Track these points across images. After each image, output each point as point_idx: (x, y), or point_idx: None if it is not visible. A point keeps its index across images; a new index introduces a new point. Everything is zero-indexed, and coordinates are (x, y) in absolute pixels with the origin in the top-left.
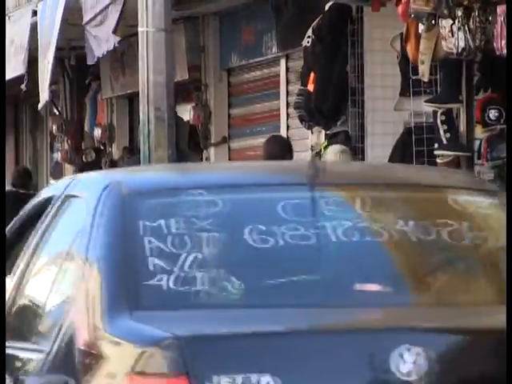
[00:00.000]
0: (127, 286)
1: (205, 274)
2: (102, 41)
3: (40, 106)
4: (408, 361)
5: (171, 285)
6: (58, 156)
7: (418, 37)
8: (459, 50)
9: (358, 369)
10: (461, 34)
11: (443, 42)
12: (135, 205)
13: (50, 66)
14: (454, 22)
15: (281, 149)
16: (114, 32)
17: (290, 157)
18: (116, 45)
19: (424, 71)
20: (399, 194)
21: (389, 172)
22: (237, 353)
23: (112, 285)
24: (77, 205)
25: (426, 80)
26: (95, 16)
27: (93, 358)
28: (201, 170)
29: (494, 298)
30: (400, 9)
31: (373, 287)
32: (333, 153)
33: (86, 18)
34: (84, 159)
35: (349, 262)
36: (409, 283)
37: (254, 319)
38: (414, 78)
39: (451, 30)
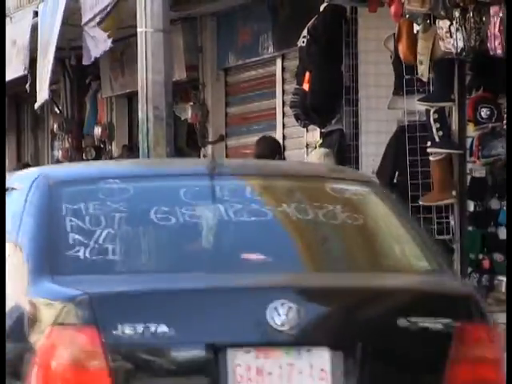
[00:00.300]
0: (50, 256)
1: (115, 246)
2: (99, 41)
3: (37, 105)
4: (282, 314)
5: (87, 255)
6: (58, 154)
7: (410, 37)
8: (458, 50)
9: (241, 319)
10: (459, 35)
11: (441, 43)
12: (59, 192)
13: (50, 66)
14: (451, 23)
15: (270, 149)
16: (109, 34)
17: (280, 156)
18: (111, 45)
19: (423, 71)
20: (284, 183)
21: (276, 166)
22: (138, 307)
23: (37, 255)
24: (14, 195)
25: (425, 80)
26: (94, 16)
27: (23, 316)
28: (118, 165)
29: (361, 266)
30: (392, 9)
31: (256, 256)
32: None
33: (84, 19)
34: (84, 157)
35: (238, 236)
36: (288, 253)
37: (154, 281)
38: (407, 77)
39: (449, 31)
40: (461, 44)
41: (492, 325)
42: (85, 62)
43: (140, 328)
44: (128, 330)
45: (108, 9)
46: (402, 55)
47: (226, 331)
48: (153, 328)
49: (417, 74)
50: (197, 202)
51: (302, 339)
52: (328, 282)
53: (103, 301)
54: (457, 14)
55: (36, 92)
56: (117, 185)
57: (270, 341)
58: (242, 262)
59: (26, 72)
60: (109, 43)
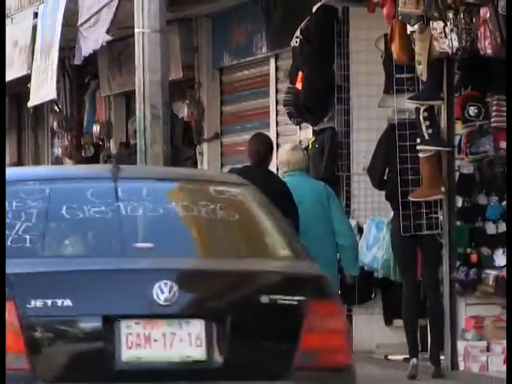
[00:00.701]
0: None
1: (32, 236)
2: (90, 41)
3: (31, 104)
4: (165, 291)
5: (8, 243)
6: (58, 151)
7: (402, 38)
8: (454, 50)
9: (132, 296)
10: (454, 35)
11: (435, 43)
12: None
13: (54, 67)
14: (445, 24)
15: (264, 146)
16: (107, 32)
17: (272, 153)
18: (104, 44)
19: (422, 71)
20: (174, 185)
21: (170, 171)
22: (48, 285)
23: None
24: None
25: (424, 79)
26: (90, 17)
27: None
28: (40, 169)
29: (234, 253)
30: (385, 11)
31: (146, 245)
32: (284, 150)
33: (81, 20)
34: (83, 154)
35: (133, 228)
36: (174, 242)
37: (62, 263)
38: (397, 76)
39: (443, 31)
40: (456, 44)
41: (337, 301)
42: (76, 61)
43: (49, 302)
44: (39, 304)
45: (108, 10)
46: (395, 55)
47: (119, 306)
48: (59, 302)
49: (407, 73)
50: (101, 201)
51: (181, 313)
52: (205, 266)
53: (19, 279)
54: (450, 15)
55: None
56: (35, 186)
57: (155, 314)
58: (135, 249)
59: (29, 71)
60: (100, 43)
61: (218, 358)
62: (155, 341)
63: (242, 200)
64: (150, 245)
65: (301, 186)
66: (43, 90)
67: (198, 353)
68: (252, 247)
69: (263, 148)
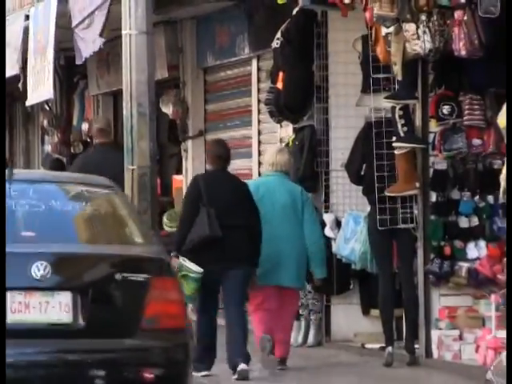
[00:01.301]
0: None
1: None
2: (89, 42)
3: (29, 103)
4: (41, 269)
5: None
6: (48, 148)
7: (385, 39)
8: (426, 51)
9: (18, 272)
10: (426, 37)
11: (407, 44)
12: None
13: (50, 67)
14: (418, 26)
15: (224, 151)
16: (101, 35)
17: (230, 158)
18: (101, 46)
19: (397, 71)
20: (53, 186)
21: (51, 174)
22: None
23: None
24: None
25: (399, 79)
26: (83, 20)
27: None
28: None
29: (99, 240)
30: (367, 14)
31: (30, 233)
32: (271, 151)
33: (74, 22)
34: (72, 150)
35: (22, 220)
36: (52, 231)
37: None
38: (374, 76)
39: (416, 33)
40: (428, 45)
41: (174, 278)
42: (77, 61)
43: None
44: None
45: (100, 13)
46: (381, 57)
47: (9, 280)
48: None
49: (384, 73)
50: None
51: (53, 286)
52: (73, 250)
53: None
54: (423, 17)
55: (27, 90)
56: None
57: (33, 287)
58: (22, 237)
59: (19, 72)
60: (98, 44)
61: (81, 321)
62: (33, 307)
63: (109, 199)
64: (32, 233)
65: (278, 188)
66: (40, 89)
67: (66, 317)
68: (112, 236)
69: (224, 153)
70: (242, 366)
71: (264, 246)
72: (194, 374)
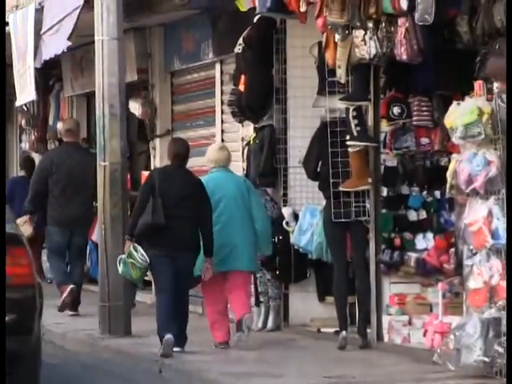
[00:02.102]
0: None
1: None
2: (52, 47)
3: (18, 103)
4: None
5: None
6: (25, 146)
7: (335, 45)
8: (371, 56)
9: None
10: (372, 43)
11: (356, 50)
12: None
13: (31, 72)
14: (365, 33)
15: (182, 149)
16: (69, 39)
17: (188, 155)
18: (65, 50)
19: (341, 74)
20: None
21: None
22: None
23: None
24: None
25: (342, 82)
26: (52, 26)
27: None
28: None
29: None
30: (320, 21)
31: None
32: (212, 149)
33: (44, 28)
34: (48, 148)
35: None
36: None
37: None
38: (329, 79)
39: (363, 39)
40: (373, 51)
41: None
42: (36, 64)
43: None
44: None
45: (69, 19)
46: (330, 61)
47: None
48: None
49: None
50: None
51: None
52: None
53: None
54: (370, 24)
55: (7, 91)
56: None
57: None
58: None
59: None
60: (61, 48)
61: None
62: None
63: None
64: None
65: (226, 181)
66: (25, 91)
67: None
68: None
69: (182, 150)
70: (169, 337)
71: (219, 235)
72: (176, 350)
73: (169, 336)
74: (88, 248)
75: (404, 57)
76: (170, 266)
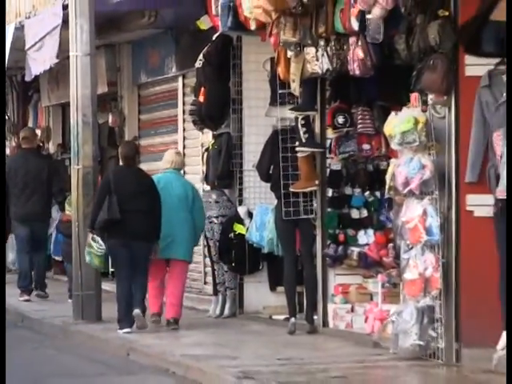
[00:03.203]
0: None
1: None
2: (39, 62)
3: None
4: None
5: None
6: (7, 151)
7: (286, 61)
8: (324, 71)
9: None
10: (325, 59)
11: (308, 65)
12: None
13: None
14: (317, 50)
15: (132, 151)
16: (57, 56)
17: (137, 156)
18: (51, 66)
19: (295, 87)
20: None
21: None
22: None
23: None
24: None
25: (296, 94)
26: (35, 43)
27: None
28: None
29: None
30: (272, 40)
31: None
32: (170, 153)
33: (28, 45)
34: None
35: None
36: None
37: None
38: (280, 91)
39: (315, 56)
40: (326, 66)
41: None
42: (27, 78)
43: None
44: None
45: (50, 38)
46: (281, 75)
47: None
48: None
49: (289, 89)
50: None
51: None
52: None
53: None
54: (322, 42)
55: None
56: None
57: None
58: None
59: None
60: (48, 64)
61: None
62: None
63: None
64: None
65: (175, 181)
66: None
67: None
68: None
69: (131, 152)
70: (137, 311)
71: (163, 226)
72: (118, 331)
73: (136, 310)
74: (54, 237)
75: (357, 72)
76: (127, 254)
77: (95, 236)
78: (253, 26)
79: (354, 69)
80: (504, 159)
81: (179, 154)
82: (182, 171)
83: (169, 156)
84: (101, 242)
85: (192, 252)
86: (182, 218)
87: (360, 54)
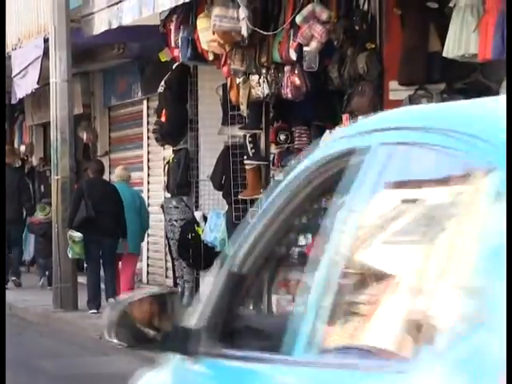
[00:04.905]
0: None
1: None
2: (22, 88)
3: None
4: None
5: None
6: None
7: (237, 86)
8: (265, 95)
9: None
10: (265, 85)
11: (253, 90)
12: None
13: None
14: (260, 77)
15: (100, 166)
16: (38, 82)
17: (103, 170)
18: (33, 91)
19: (244, 109)
20: None
21: None
22: None
23: None
24: None
25: (245, 115)
26: (20, 71)
27: None
28: None
29: None
30: (225, 69)
31: None
32: (120, 168)
33: (14, 73)
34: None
35: None
36: None
37: None
38: (230, 113)
39: (258, 82)
40: (266, 91)
41: None
42: (12, 101)
43: None
44: None
45: (33, 67)
46: (233, 99)
47: None
48: None
49: (238, 111)
50: None
51: None
52: None
53: None
54: (264, 71)
55: None
56: None
57: None
58: None
59: None
60: (30, 89)
61: None
62: None
63: None
64: None
65: (125, 191)
66: None
67: None
68: None
69: (99, 167)
70: (111, 300)
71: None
72: (90, 312)
73: (111, 300)
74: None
75: (289, 95)
76: (97, 248)
77: (72, 230)
78: (211, 57)
79: (287, 93)
80: None
81: (126, 170)
82: (129, 182)
83: (118, 171)
84: (79, 233)
85: (139, 246)
86: (132, 219)
87: (297, 80)
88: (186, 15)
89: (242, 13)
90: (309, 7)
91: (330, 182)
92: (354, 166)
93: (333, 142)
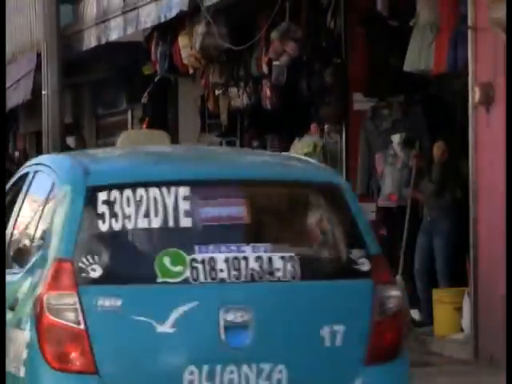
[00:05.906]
0: None
1: None
2: (14, 99)
3: None
4: None
5: None
6: None
7: (215, 97)
8: (244, 106)
9: None
10: (244, 96)
11: (232, 101)
12: None
13: None
14: (239, 90)
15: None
16: (31, 94)
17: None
18: (24, 101)
19: (224, 119)
20: None
21: None
22: None
23: None
24: None
25: (225, 124)
26: (12, 84)
27: None
28: None
29: None
30: (203, 81)
31: None
32: None
33: (8, 84)
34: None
35: None
36: None
37: None
38: (208, 121)
39: (237, 94)
40: (245, 102)
41: None
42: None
43: None
44: None
45: (25, 80)
46: (211, 108)
47: None
48: None
49: (215, 119)
50: None
51: None
52: None
53: None
54: (242, 83)
55: None
56: None
57: None
58: None
59: None
60: (21, 99)
61: None
62: None
63: None
64: None
65: None
66: None
67: None
68: None
69: None
70: None
71: None
72: None
73: None
74: None
75: (269, 106)
76: None
77: None
78: (191, 71)
79: (267, 104)
80: (384, 176)
81: None
82: None
83: None
84: None
85: None
86: None
87: (268, 92)
88: (164, 31)
89: (202, 28)
90: (283, 25)
91: (18, 188)
92: (25, 180)
93: (23, 166)
